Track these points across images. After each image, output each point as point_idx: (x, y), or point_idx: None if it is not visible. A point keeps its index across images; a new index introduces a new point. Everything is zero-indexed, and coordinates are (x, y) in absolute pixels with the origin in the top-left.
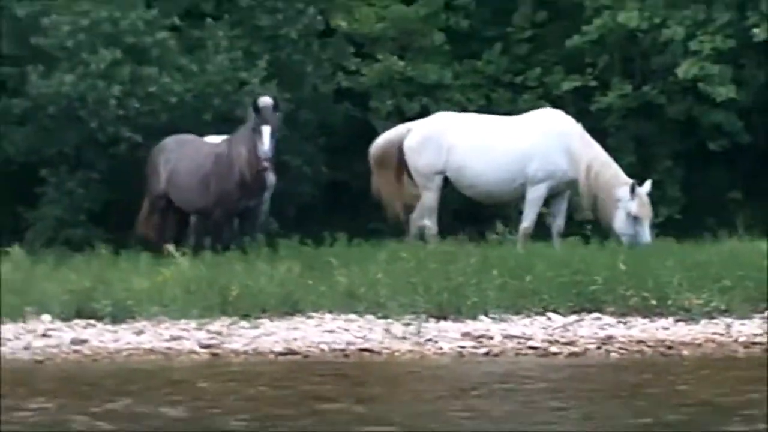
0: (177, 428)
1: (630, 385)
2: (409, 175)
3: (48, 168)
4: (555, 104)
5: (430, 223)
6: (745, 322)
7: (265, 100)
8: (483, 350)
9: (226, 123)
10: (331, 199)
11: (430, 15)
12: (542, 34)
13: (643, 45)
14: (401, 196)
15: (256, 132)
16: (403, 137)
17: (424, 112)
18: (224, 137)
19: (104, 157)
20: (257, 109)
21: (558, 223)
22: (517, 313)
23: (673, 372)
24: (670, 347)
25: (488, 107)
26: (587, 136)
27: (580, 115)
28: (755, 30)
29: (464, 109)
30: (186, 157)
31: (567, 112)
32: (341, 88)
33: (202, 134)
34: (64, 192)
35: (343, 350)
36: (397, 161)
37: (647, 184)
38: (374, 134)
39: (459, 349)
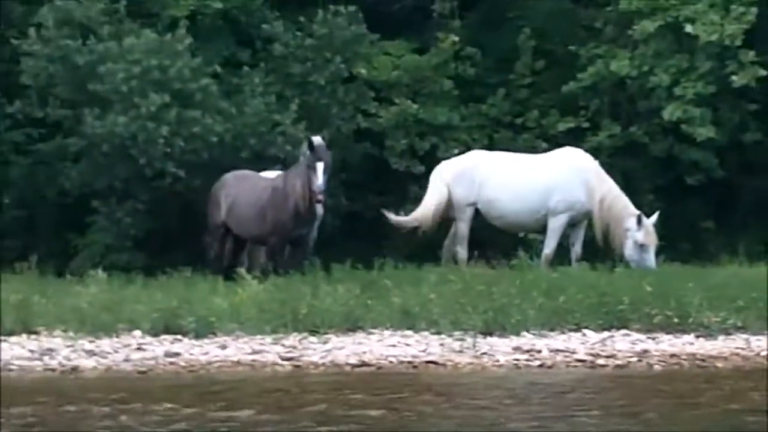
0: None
1: (693, 393)
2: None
3: (99, 199)
4: (551, 143)
5: (461, 250)
6: (760, 337)
7: (319, 140)
8: (536, 363)
9: (261, 160)
10: (347, 228)
11: (440, 64)
12: (540, 81)
13: (630, 90)
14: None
15: (311, 168)
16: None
17: (433, 151)
18: (279, 173)
19: (149, 190)
20: (312, 148)
21: (576, 249)
22: (552, 330)
23: (721, 382)
24: (703, 360)
25: (491, 146)
26: (602, 172)
27: None
28: (734, 77)
29: (469, 148)
30: (245, 191)
31: None
32: (361, 128)
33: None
34: (113, 221)
35: (411, 362)
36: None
37: (654, 216)
38: (388, 170)
39: (515, 362)
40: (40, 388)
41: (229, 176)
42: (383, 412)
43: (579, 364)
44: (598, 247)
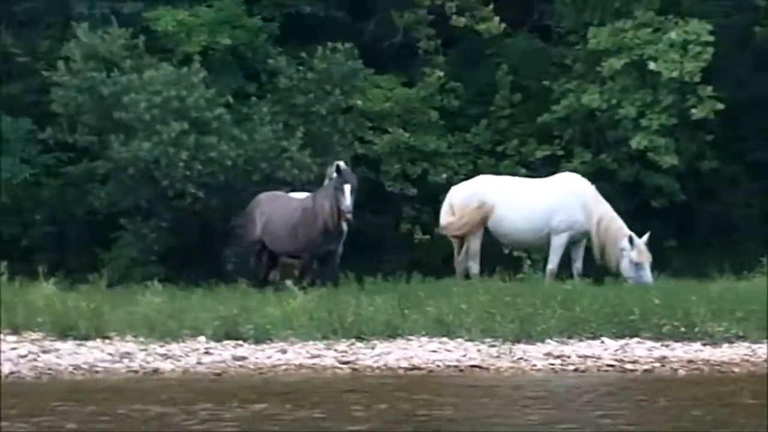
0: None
1: (733, 395)
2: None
3: (126, 217)
4: (529, 169)
5: (474, 265)
6: (761, 345)
7: (344, 165)
8: (570, 367)
9: (271, 183)
10: (349, 244)
11: (427, 96)
12: (518, 112)
13: (600, 121)
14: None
15: (339, 189)
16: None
17: (424, 175)
18: (306, 194)
19: (170, 209)
20: (339, 172)
21: (577, 265)
22: (570, 337)
23: (749, 385)
24: (719, 365)
25: (475, 172)
26: (599, 196)
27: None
28: (693, 110)
29: (456, 173)
30: (278, 210)
31: (537, 176)
32: (358, 154)
33: (254, 192)
34: (139, 237)
35: (456, 366)
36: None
37: (645, 236)
38: (384, 192)
39: (551, 366)
40: (132, 388)
41: (263, 197)
42: (454, 412)
43: (609, 368)
44: (597, 263)
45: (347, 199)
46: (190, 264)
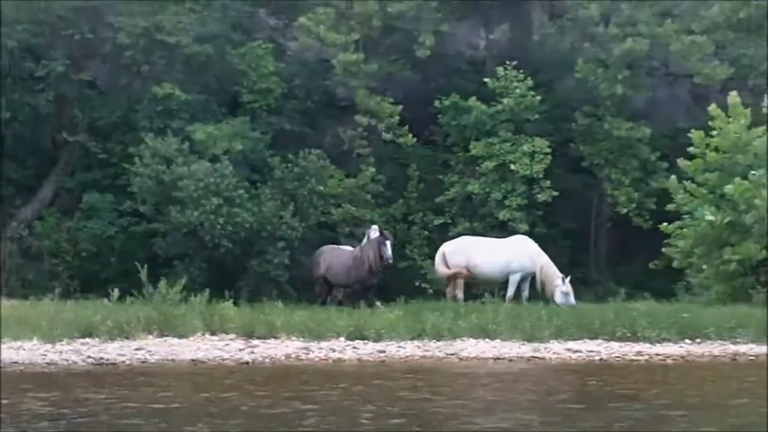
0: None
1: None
2: (448, 267)
3: (178, 260)
4: (431, 232)
5: (460, 293)
6: (693, 346)
7: (378, 228)
8: (609, 360)
9: (274, 240)
10: None
11: (364, 184)
12: (422, 195)
13: (476, 202)
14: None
15: (382, 244)
16: (443, 252)
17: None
18: (352, 248)
19: (208, 257)
20: (381, 233)
21: (525, 294)
22: (566, 339)
23: (734, 374)
24: (719, 356)
25: (394, 233)
26: (540, 250)
27: (442, 239)
28: (538, 196)
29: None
30: (336, 257)
31: (437, 242)
32: (321, 221)
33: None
34: (187, 273)
35: (529, 358)
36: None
37: (568, 278)
38: (339, 244)
39: (595, 356)
40: (324, 372)
41: (325, 248)
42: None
43: (638, 359)
44: (539, 293)
45: (389, 250)
46: (221, 289)
